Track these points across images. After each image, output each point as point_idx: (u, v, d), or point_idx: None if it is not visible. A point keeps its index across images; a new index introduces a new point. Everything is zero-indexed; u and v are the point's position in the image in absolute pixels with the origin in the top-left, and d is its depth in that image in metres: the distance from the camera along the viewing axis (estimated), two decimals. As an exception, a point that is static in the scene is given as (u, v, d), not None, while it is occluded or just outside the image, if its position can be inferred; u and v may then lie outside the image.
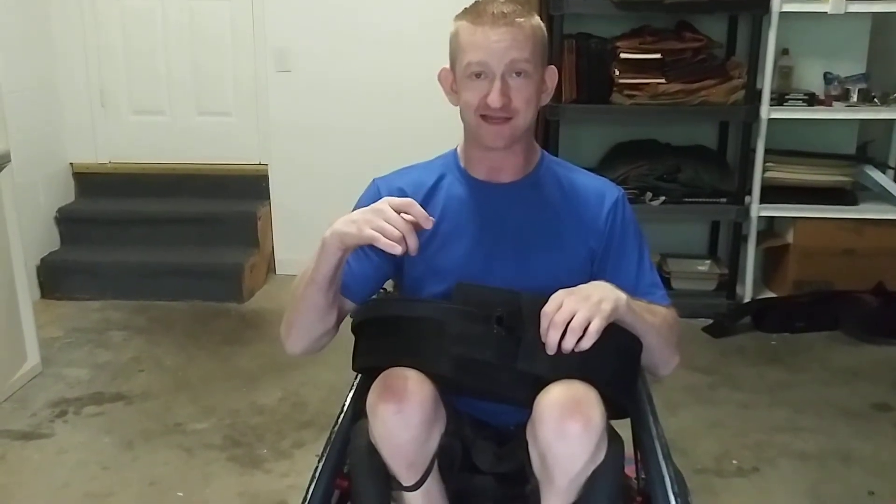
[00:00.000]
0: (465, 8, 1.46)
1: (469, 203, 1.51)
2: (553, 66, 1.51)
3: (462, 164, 1.55)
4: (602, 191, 1.54)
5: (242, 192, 4.12)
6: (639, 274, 1.51)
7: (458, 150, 1.57)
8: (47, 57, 3.98)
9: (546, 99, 1.50)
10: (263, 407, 2.89)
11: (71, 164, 4.17)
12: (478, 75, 1.41)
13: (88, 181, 4.18)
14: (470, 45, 1.41)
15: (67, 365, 3.20)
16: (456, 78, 1.47)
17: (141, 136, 4.16)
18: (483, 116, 1.43)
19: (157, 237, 3.99)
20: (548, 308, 1.27)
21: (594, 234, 1.51)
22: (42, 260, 3.87)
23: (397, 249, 1.26)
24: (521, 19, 1.41)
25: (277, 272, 4.11)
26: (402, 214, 1.29)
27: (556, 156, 3.54)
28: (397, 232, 1.27)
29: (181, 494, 2.38)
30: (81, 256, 3.93)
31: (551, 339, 1.25)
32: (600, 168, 3.66)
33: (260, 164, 4.12)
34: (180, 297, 3.81)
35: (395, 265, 1.51)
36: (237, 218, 4.02)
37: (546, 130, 3.58)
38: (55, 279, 3.87)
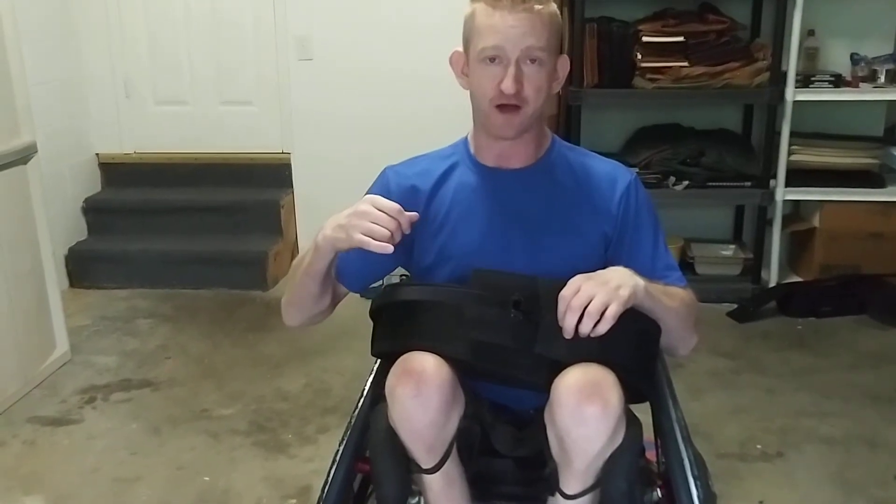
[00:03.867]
0: None
1: (479, 190, 1.51)
2: (565, 56, 1.49)
3: (472, 152, 1.55)
4: (614, 175, 1.53)
5: (265, 180, 4.14)
6: (654, 257, 1.51)
7: (469, 137, 1.57)
8: (72, 49, 4.02)
9: (556, 88, 1.49)
10: (288, 393, 2.91)
11: (97, 154, 4.22)
12: (492, 59, 1.40)
13: (114, 171, 4.23)
14: (487, 28, 1.40)
15: (96, 352, 3.25)
16: (468, 60, 1.46)
17: (165, 126, 4.20)
18: (497, 106, 1.42)
19: (181, 226, 4.02)
20: (565, 292, 1.28)
21: (607, 219, 1.50)
22: (70, 249, 3.93)
23: (389, 250, 1.29)
24: (540, 6, 1.40)
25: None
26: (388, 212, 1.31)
27: (579, 141, 3.57)
28: (385, 231, 1.30)
29: (207, 479, 2.41)
30: (108, 246, 3.99)
31: (568, 323, 1.26)
32: (623, 153, 3.65)
33: (282, 152, 4.14)
34: (205, 286, 3.86)
35: (405, 254, 1.52)
36: (261, 206, 4.05)
37: (568, 115, 3.56)
38: (83, 268, 3.93)
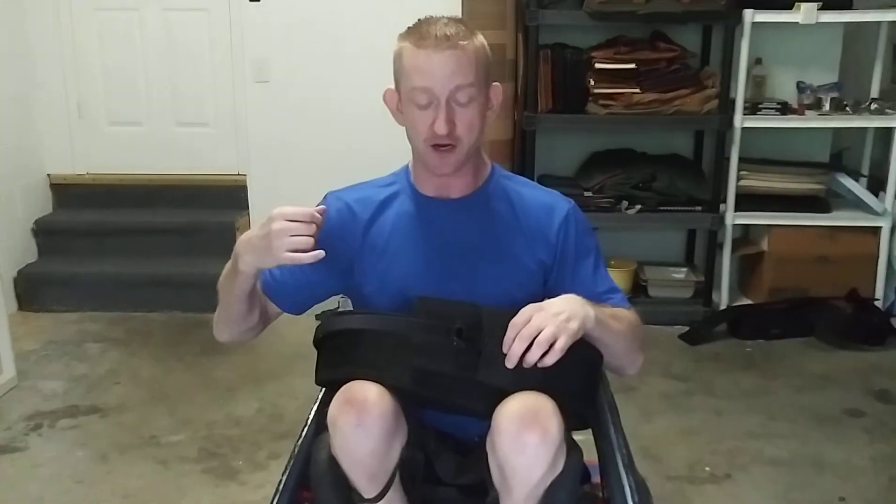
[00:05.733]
0: (409, 27, 1.45)
1: (418, 219, 1.52)
2: (498, 84, 1.50)
3: (413, 181, 1.56)
4: (552, 204, 1.55)
5: (221, 202, 4.11)
6: (596, 282, 1.53)
7: (410, 165, 1.57)
8: (24, 68, 3.97)
9: (492, 117, 1.50)
10: (240, 418, 2.88)
11: (48, 175, 4.15)
12: (423, 101, 1.41)
13: (66, 192, 4.17)
14: (414, 69, 1.41)
15: (43, 378, 3.19)
16: (401, 98, 1.46)
17: (119, 148, 4.15)
18: (431, 146, 1.43)
19: (135, 248, 3.97)
20: (517, 320, 1.29)
21: (544, 248, 1.51)
22: (19, 272, 3.86)
23: (321, 255, 1.30)
24: (465, 42, 1.40)
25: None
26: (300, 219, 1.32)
27: (534, 165, 3.61)
28: (309, 238, 1.31)
29: (155, 508, 2.38)
30: (59, 268, 3.92)
31: (515, 350, 1.27)
32: (577, 177, 3.70)
33: (238, 174, 4.12)
34: (159, 309, 3.81)
35: (343, 279, 1.52)
36: (216, 228, 4.00)
37: (523, 140, 3.60)
38: (32, 291, 3.85)
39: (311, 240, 1.31)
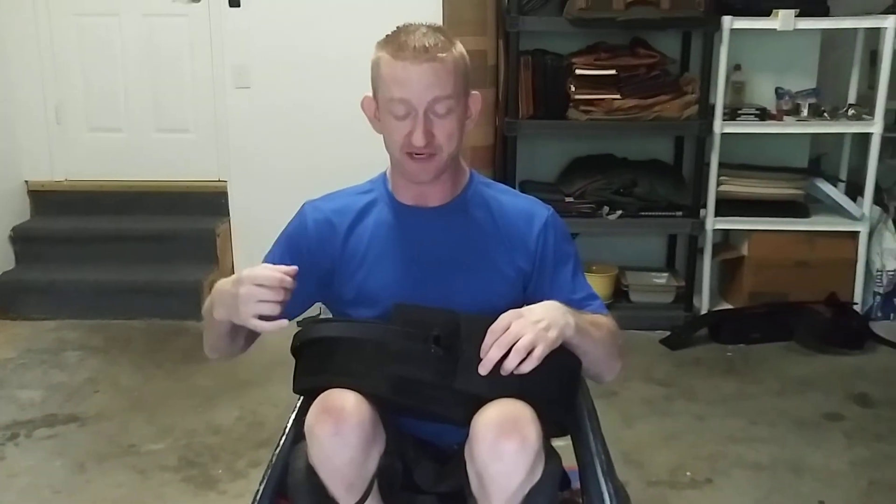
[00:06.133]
0: (387, 35, 1.44)
1: (397, 228, 1.51)
2: (477, 93, 1.49)
3: (390, 189, 1.55)
4: (531, 211, 1.54)
5: (201, 208, 4.09)
6: (574, 288, 1.53)
7: (388, 173, 1.57)
8: (1, 73, 3.94)
9: (471, 125, 1.49)
10: (220, 426, 2.86)
11: (26, 181, 4.12)
12: (401, 112, 1.40)
13: (44, 199, 4.13)
14: (391, 79, 1.39)
15: (20, 387, 3.15)
16: (378, 106, 1.46)
17: (98, 154, 4.12)
18: (408, 154, 1.43)
19: (114, 255, 3.94)
20: (496, 326, 1.29)
21: (523, 255, 1.51)
22: (-4, 279, 3.82)
23: (284, 325, 1.30)
24: (443, 54, 1.39)
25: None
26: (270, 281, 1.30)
27: (515, 171, 3.61)
28: (275, 306, 1.29)
29: (133, 517, 2.36)
30: (37, 276, 3.89)
31: (492, 356, 1.27)
32: (558, 183, 3.71)
33: (219, 180, 4.10)
34: (138, 316, 3.78)
35: (322, 290, 1.52)
36: (196, 235, 3.99)
37: (504, 146, 3.61)
38: (10, 299, 3.81)
39: (278, 307, 1.29)
